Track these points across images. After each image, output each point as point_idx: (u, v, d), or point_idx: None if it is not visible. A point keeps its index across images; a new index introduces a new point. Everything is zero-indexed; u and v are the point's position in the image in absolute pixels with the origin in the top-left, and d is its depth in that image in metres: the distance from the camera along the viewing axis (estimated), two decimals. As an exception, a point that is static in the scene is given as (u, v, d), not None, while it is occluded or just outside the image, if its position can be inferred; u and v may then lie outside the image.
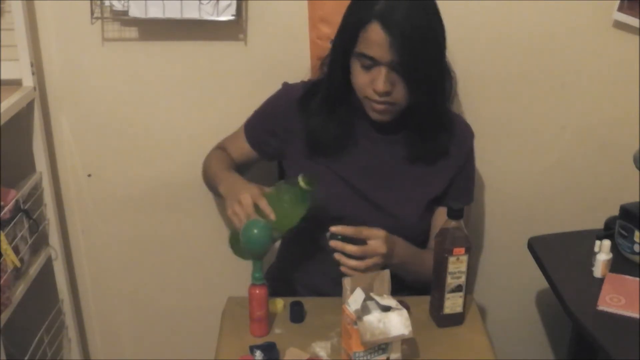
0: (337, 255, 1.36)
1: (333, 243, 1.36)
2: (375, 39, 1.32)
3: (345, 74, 1.42)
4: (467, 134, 1.55)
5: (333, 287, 1.43)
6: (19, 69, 1.64)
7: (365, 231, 1.36)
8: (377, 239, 1.36)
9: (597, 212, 1.73)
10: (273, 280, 1.61)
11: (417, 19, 1.32)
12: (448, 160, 1.51)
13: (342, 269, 1.35)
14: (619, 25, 1.69)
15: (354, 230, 1.36)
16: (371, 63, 1.35)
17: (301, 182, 1.33)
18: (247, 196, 1.35)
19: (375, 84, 1.36)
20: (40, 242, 1.77)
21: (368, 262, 1.36)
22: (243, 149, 1.63)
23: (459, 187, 1.54)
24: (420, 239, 1.55)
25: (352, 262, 1.35)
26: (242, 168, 1.64)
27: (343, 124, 1.49)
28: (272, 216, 1.33)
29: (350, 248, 1.35)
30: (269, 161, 1.69)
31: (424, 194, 1.52)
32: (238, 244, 1.36)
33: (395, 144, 1.51)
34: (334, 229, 1.35)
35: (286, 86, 1.60)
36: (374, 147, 1.51)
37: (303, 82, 1.59)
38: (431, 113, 1.45)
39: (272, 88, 1.60)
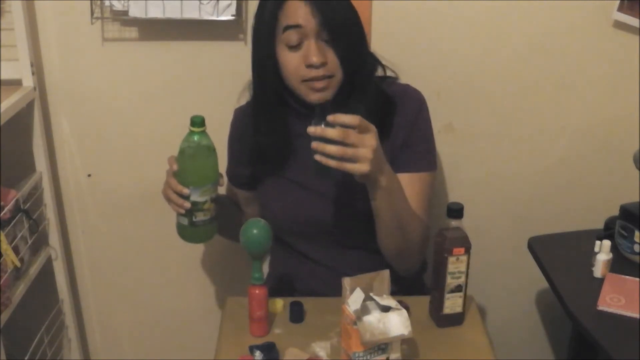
0: (314, 144, 1.22)
1: (311, 129, 1.21)
2: (296, 8, 1.36)
3: (274, 70, 1.41)
4: (411, 99, 1.50)
5: (327, 289, 1.44)
6: (19, 69, 1.64)
7: (364, 122, 1.23)
8: (369, 133, 1.24)
9: (597, 212, 1.73)
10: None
11: None
12: (397, 131, 1.46)
13: (317, 157, 1.22)
14: (619, 25, 1.69)
15: (350, 117, 1.21)
16: (298, 37, 1.36)
17: (190, 127, 1.34)
18: (167, 174, 1.39)
19: (307, 59, 1.36)
20: (40, 242, 1.77)
21: (349, 150, 1.21)
22: (233, 193, 1.65)
23: (413, 150, 1.47)
24: None
25: (330, 147, 1.21)
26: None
27: (280, 126, 1.47)
28: (175, 167, 1.35)
29: (331, 132, 1.20)
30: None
31: None
32: (182, 229, 1.41)
33: None
34: (330, 118, 1.21)
35: (235, 111, 1.61)
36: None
37: (249, 101, 1.56)
38: (363, 89, 1.42)
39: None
